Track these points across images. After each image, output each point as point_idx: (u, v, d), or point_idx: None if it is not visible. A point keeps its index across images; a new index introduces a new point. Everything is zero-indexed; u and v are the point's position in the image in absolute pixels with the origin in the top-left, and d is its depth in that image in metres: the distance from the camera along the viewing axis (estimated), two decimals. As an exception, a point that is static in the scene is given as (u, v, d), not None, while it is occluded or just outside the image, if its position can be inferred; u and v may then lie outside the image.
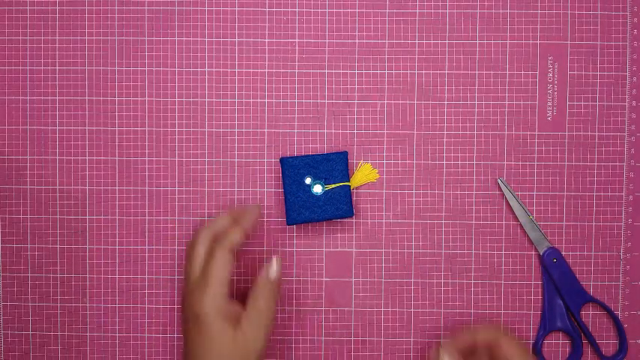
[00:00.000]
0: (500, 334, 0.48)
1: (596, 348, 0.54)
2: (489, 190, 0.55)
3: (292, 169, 0.51)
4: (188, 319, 0.47)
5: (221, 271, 0.46)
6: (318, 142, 0.55)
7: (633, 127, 0.55)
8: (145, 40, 0.55)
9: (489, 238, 0.55)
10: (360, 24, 0.55)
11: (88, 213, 0.55)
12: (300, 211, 0.51)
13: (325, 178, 0.52)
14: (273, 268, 0.48)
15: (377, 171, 0.54)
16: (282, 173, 0.50)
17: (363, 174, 0.54)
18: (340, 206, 0.51)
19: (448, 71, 0.55)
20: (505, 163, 0.55)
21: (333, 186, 0.52)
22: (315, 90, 0.55)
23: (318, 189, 0.51)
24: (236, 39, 0.55)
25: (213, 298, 0.45)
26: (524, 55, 0.55)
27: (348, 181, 0.51)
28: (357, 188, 0.55)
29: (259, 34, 0.55)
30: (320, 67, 0.55)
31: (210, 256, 0.47)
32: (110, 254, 0.55)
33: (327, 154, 0.51)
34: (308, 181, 0.51)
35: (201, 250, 0.48)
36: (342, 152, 0.51)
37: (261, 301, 0.47)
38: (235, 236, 0.47)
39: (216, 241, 0.47)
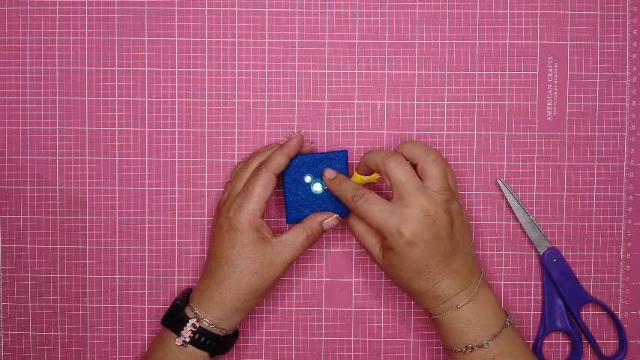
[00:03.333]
0: (398, 149, 0.50)
1: (596, 348, 0.54)
2: (489, 190, 0.55)
3: (292, 167, 0.51)
4: (222, 226, 0.50)
5: (262, 189, 0.49)
6: (318, 142, 0.55)
7: (633, 127, 0.55)
8: (144, 40, 0.55)
9: (489, 238, 0.55)
10: (359, 24, 0.55)
11: (88, 213, 0.55)
12: (300, 209, 0.51)
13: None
14: (332, 223, 0.51)
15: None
16: (282, 171, 0.50)
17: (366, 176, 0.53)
18: (340, 205, 0.51)
19: (448, 71, 0.55)
20: (505, 163, 0.55)
21: None
22: (315, 90, 0.55)
23: (317, 187, 0.51)
24: (236, 39, 0.55)
25: (252, 214, 0.49)
26: (524, 55, 0.55)
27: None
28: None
29: (259, 34, 0.55)
30: (320, 67, 0.55)
31: (255, 175, 0.49)
32: (110, 254, 0.55)
33: (327, 152, 0.51)
34: (308, 179, 0.51)
35: (247, 172, 0.51)
36: (342, 151, 0.51)
37: (304, 234, 0.50)
38: (280, 159, 0.50)
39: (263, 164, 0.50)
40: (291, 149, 0.50)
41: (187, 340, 0.48)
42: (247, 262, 0.48)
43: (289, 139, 0.51)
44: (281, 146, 0.51)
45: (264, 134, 0.55)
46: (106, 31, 0.55)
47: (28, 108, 0.55)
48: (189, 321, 0.48)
